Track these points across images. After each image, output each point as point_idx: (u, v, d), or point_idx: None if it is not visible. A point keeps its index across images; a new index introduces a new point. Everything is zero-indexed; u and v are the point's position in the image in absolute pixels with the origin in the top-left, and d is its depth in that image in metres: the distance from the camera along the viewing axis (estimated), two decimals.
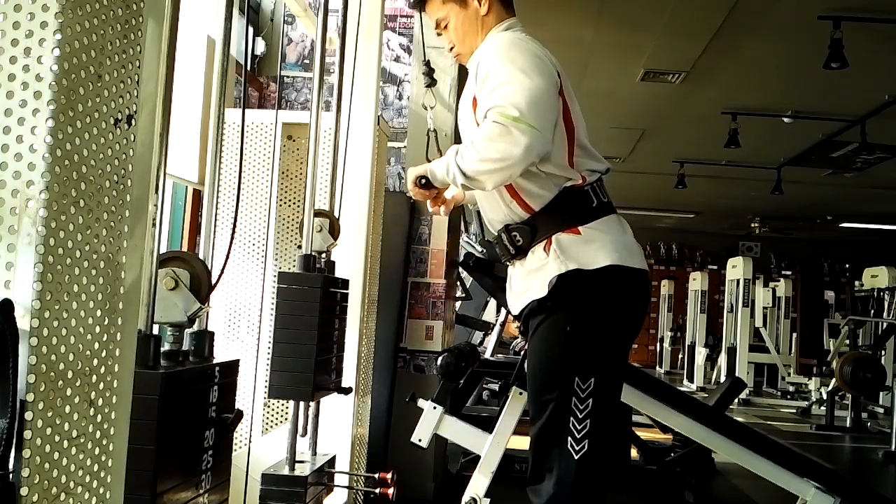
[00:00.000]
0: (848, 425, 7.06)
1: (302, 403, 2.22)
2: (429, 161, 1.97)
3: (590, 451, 1.76)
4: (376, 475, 2.40)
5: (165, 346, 1.44)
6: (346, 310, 2.41)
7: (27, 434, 0.83)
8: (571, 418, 1.77)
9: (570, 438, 1.77)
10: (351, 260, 2.64)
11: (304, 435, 2.26)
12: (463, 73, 3.77)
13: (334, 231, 2.36)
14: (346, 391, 2.36)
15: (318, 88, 2.24)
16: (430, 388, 3.22)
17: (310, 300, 2.10)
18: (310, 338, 2.08)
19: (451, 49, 2.05)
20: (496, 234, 1.94)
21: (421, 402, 2.40)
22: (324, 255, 2.34)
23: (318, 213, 2.28)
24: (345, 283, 2.39)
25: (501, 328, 4.98)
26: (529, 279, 1.86)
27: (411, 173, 1.92)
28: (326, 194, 2.45)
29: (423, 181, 1.89)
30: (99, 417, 0.98)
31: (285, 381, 2.08)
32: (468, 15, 1.98)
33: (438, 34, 2.09)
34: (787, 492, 2.74)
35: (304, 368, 2.08)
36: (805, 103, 6.24)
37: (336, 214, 2.46)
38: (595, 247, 1.81)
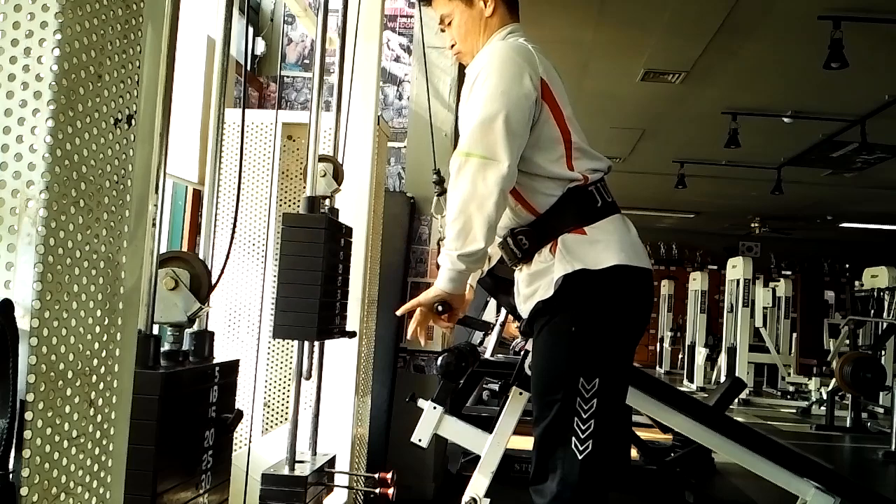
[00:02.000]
0: (848, 425, 7.07)
1: (307, 345, 2.21)
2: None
3: (594, 452, 1.76)
4: (376, 475, 2.40)
5: (165, 346, 1.44)
6: (350, 257, 2.40)
7: (27, 434, 0.84)
8: (576, 418, 1.77)
9: (574, 438, 1.77)
10: (351, 260, 2.64)
11: (308, 378, 2.23)
12: (463, 73, 3.78)
13: (338, 176, 2.37)
14: (351, 335, 2.36)
15: (318, 88, 2.24)
16: (430, 388, 3.22)
17: (314, 241, 2.10)
18: (314, 278, 2.08)
19: (453, 46, 2.06)
20: (501, 239, 1.94)
21: (421, 402, 2.40)
22: (328, 202, 2.34)
23: (322, 159, 2.28)
24: (349, 231, 2.39)
25: (501, 328, 4.98)
26: (536, 281, 1.86)
27: (425, 305, 1.83)
28: (330, 144, 2.46)
29: (441, 307, 1.83)
30: (99, 417, 0.98)
31: (290, 321, 2.07)
32: (472, 15, 1.99)
33: (442, 30, 2.09)
34: (787, 492, 2.74)
35: (309, 309, 2.07)
36: (805, 103, 6.24)
37: (336, 207, 2.45)
38: (600, 247, 1.81)
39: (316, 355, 2.31)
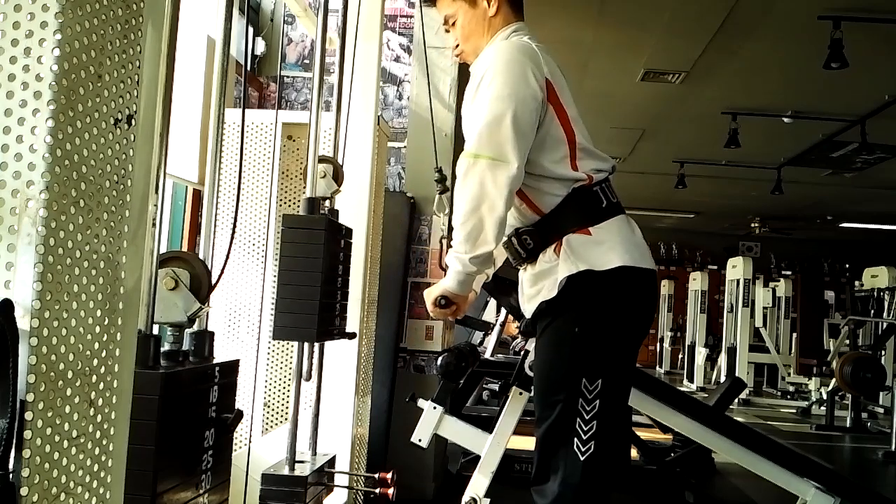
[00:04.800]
0: (848, 425, 7.06)
1: (306, 347, 2.21)
2: (443, 268, 1.96)
3: (596, 453, 1.76)
4: (376, 475, 2.40)
5: (165, 346, 1.44)
6: (350, 258, 2.39)
7: (27, 434, 0.84)
8: (578, 419, 1.77)
9: (576, 439, 1.76)
10: (351, 260, 2.64)
11: (308, 380, 2.24)
12: (463, 73, 3.77)
13: (338, 177, 2.36)
14: (351, 336, 2.36)
15: (318, 88, 2.23)
16: (430, 388, 3.22)
17: (314, 242, 2.10)
18: (314, 279, 2.07)
19: (457, 47, 2.05)
20: (506, 238, 1.93)
21: (421, 402, 2.40)
22: (328, 203, 2.34)
23: (322, 160, 2.29)
24: (349, 232, 2.38)
25: (501, 328, 4.97)
26: (540, 281, 1.86)
27: (428, 298, 1.90)
28: (330, 144, 2.46)
29: (444, 301, 1.87)
30: (99, 417, 0.98)
31: (290, 322, 2.07)
32: (476, 14, 1.98)
33: (447, 30, 2.08)
34: (787, 492, 2.73)
35: (309, 310, 2.07)
36: (805, 103, 6.24)
37: (336, 208, 2.45)
38: (605, 247, 1.81)
39: (316, 356, 2.31)
